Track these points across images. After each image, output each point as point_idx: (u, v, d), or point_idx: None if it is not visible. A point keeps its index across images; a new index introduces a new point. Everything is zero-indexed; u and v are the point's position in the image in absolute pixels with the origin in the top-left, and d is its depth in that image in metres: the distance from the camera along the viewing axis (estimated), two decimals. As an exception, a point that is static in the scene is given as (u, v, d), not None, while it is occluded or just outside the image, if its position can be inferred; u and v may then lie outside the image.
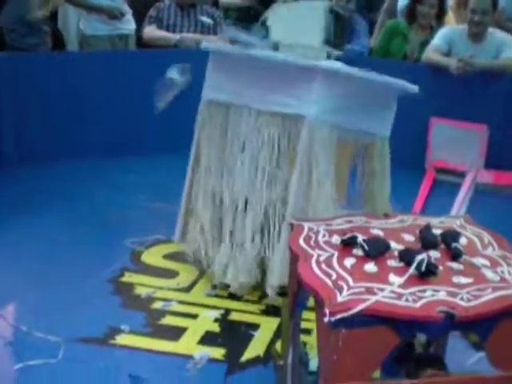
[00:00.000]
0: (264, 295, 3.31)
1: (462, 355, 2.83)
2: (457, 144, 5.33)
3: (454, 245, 2.13)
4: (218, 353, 2.89)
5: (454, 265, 2.07)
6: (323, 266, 2.02)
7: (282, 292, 3.02)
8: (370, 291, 1.88)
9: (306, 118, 3.02)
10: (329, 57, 3.29)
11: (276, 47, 3.33)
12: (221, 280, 3.31)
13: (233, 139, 3.29)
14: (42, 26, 5.45)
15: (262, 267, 3.24)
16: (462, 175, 5.22)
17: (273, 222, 3.18)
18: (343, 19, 3.40)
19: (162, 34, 5.61)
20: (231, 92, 3.27)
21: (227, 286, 3.30)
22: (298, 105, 3.04)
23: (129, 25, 5.94)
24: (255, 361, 2.85)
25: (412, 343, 2.28)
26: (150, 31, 5.66)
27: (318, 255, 2.09)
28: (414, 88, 3.33)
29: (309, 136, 3.02)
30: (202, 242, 3.39)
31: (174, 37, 5.56)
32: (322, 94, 3.02)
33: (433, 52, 5.41)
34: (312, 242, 2.19)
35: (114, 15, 5.70)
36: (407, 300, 1.85)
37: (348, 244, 2.14)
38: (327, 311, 1.79)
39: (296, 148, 3.08)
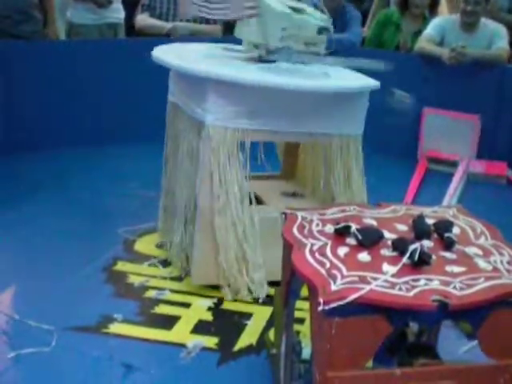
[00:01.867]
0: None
1: (455, 344, 2.84)
2: (449, 134, 5.35)
3: (446, 234, 2.15)
4: (210, 341, 2.89)
5: (447, 254, 2.08)
6: (317, 254, 2.03)
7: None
8: (363, 280, 1.89)
9: (205, 124, 3.09)
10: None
11: None
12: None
13: (175, 139, 3.50)
14: (36, 13, 5.42)
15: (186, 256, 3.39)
16: (454, 165, 5.25)
17: (191, 217, 3.29)
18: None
19: (155, 22, 5.60)
20: (176, 95, 3.47)
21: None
22: (200, 112, 3.12)
23: (117, 13, 5.91)
24: (248, 349, 2.86)
25: (405, 332, 2.30)
26: (143, 19, 5.64)
27: (312, 244, 2.10)
28: (372, 84, 3.26)
29: (206, 141, 3.08)
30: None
31: (166, 25, 5.55)
32: (217, 102, 3.05)
33: (425, 42, 5.42)
34: (306, 231, 2.19)
35: (101, 3, 5.67)
36: (401, 289, 1.86)
37: (341, 233, 2.15)
38: (321, 300, 1.80)
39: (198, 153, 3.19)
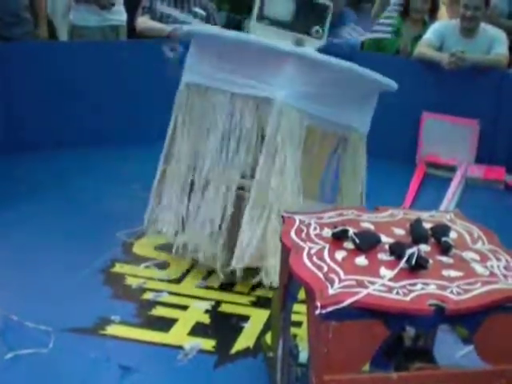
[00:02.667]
0: (255, 287, 3.33)
1: (451, 349, 2.84)
2: (448, 139, 5.35)
3: (444, 239, 2.15)
4: (208, 344, 2.90)
5: (444, 259, 2.09)
6: (314, 258, 2.04)
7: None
8: (360, 284, 1.89)
9: (274, 101, 3.03)
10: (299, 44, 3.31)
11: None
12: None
13: (207, 122, 3.31)
14: (27, 15, 5.43)
15: (226, 251, 3.26)
16: (453, 170, 5.25)
17: (237, 206, 3.20)
18: (322, 8, 3.39)
19: (155, 24, 5.60)
20: (208, 75, 3.29)
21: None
22: (267, 88, 3.06)
23: (120, 15, 5.92)
24: (245, 352, 2.86)
25: (401, 336, 2.30)
26: (143, 22, 5.64)
27: (310, 248, 2.11)
28: (393, 85, 3.27)
29: (277, 120, 3.03)
30: (170, 226, 3.41)
31: (167, 28, 5.55)
32: (292, 79, 3.02)
33: (425, 47, 5.42)
34: (303, 235, 2.20)
35: (104, 4, 5.68)
36: (398, 293, 1.87)
37: (339, 237, 2.16)
38: (318, 304, 1.80)
39: (264, 132, 3.11)
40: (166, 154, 3.49)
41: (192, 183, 3.36)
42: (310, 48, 3.24)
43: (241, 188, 3.24)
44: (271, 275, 3.01)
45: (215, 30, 3.27)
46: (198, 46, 3.38)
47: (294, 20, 3.30)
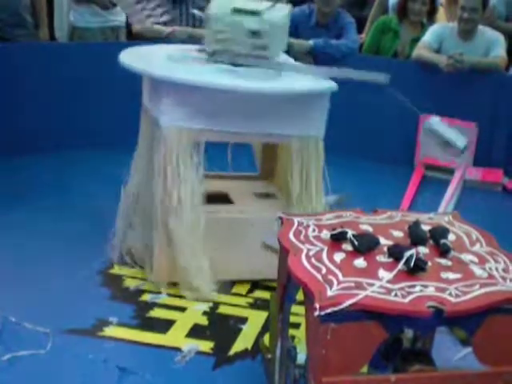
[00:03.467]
0: (252, 289, 3.34)
1: (449, 351, 2.85)
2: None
3: (442, 241, 2.16)
4: (206, 346, 2.90)
5: (443, 261, 2.09)
6: (313, 260, 2.04)
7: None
8: (359, 286, 1.89)
9: (160, 125, 3.17)
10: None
11: None
12: None
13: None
14: (28, 16, 5.43)
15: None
16: (451, 172, 5.25)
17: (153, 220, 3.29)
18: None
19: (153, 26, 5.59)
20: (144, 97, 3.55)
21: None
22: (157, 115, 3.23)
23: (119, 16, 5.92)
24: (243, 354, 2.86)
25: (400, 338, 2.30)
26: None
27: (308, 250, 2.11)
28: (332, 86, 3.24)
29: (161, 142, 3.15)
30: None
31: (165, 29, 5.55)
32: (173, 103, 3.11)
33: (423, 49, 5.43)
34: (302, 237, 2.20)
35: (105, 5, 5.68)
36: (396, 295, 1.87)
37: (337, 239, 2.16)
38: (317, 305, 1.80)
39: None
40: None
41: None
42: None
43: None
44: None
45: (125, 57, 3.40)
46: None
47: None
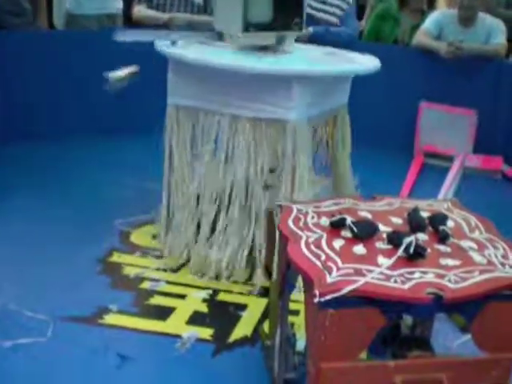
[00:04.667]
0: (252, 276, 3.34)
1: (448, 337, 2.85)
2: (446, 128, 5.35)
3: (441, 227, 2.15)
4: (205, 333, 2.90)
5: (442, 247, 2.09)
6: (312, 247, 2.04)
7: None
8: (358, 272, 1.89)
9: (287, 123, 3.10)
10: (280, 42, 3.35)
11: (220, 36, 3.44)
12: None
13: (204, 144, 3.33)
14: (26, 4, 5.40)
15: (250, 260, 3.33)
16: (451, 159, 5.25)
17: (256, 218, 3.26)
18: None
19: (152, 13, 5.57)
20: (199, 98, 3.28)
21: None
22: (277, 110, 3.10)
23: (116, 3, 5.90)
24: (243, 341, 2.87)
25: (398, 325, 2.31)
26: (139, 10, 5.61)
27: (307, 237, 2.11)
28: (375, 68, 3.30)
29: (292, 139, 3.11)
30: (183, 242, 3.47)
31: (163, 16, 5.53)
32: (300, 98, 3.09)
33: (423, 36, 5.42)
34: (301, 224, 2.20)
35: None
36: (396, 281, 1.87)
37: (337, 226, 2.16)
38: (317, 292, 1.81)
39: (277, 152, 3.17)
40: (167, 178, 3.52)
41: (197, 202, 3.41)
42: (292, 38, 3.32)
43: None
44: None
45: (193, 55, 3.20)
46: (177, 68, 3.34)
47: (274, 18, 3.28)
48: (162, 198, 3.57)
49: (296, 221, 2.23)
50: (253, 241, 3.27)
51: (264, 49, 3.33)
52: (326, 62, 3.32)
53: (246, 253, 3.27)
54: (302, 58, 3.32)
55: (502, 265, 2.02)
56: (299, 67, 3.12)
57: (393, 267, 1.94)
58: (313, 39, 5.25)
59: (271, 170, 3.34)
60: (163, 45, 3.34)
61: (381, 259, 1.98)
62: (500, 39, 5.28)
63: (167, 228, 3.57)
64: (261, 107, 3.12)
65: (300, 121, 3.12)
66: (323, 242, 2.07)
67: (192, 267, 3.38)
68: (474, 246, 2.12)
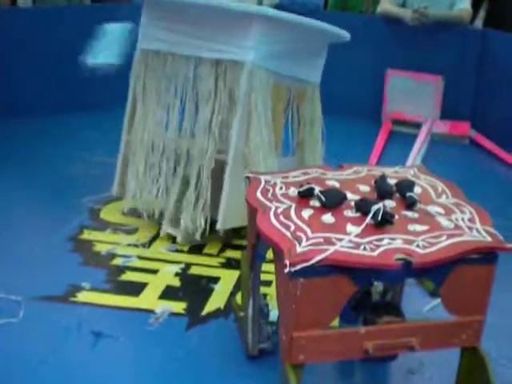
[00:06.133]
0: (223, 249, 3.35)
1: (418, 303, 2.88)
2: (412, 95, 5.38)
3: (408, 194, 2.17)
4: (179, 307, 2.91)
5: (409, 213, 2.11)
6: (281, 217, 2.05)
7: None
8: (328, 241, 1.91)
9: (245, 64, 3.05)
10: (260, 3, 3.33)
11: None
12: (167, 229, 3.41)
13: (171, 88, 3.29)
14: None
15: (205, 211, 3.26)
16: (418, 126, 5.28)
17: (216, 170, 3.20)
18: None
19: None
20: (168, 41, 3.25)
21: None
22: (236, 51, 3.06)
23: None
24: (216, 313, 2.88)
25: (369, 291, 2.33)
26: None
27: (276, 207, 2.11)
28: (346, 35, 3.34)
29: (247, 82, 3.05)
30: (138, 190, 3.43)
31: None
32: (259, 40, 3.03)
33: (388, 3, 5.41)
34: (269, 195, 2.21)
35: None
36: (365, 249, 1.89)
37: (305, 196, 2.17)
38: (287, 262, 1.82)
39: (234, 94, 3.11)
40: (128, 124, 3.48)
41: (158, 149, 3.35)
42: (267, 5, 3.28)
43: (219, 152, 3.24)
44: None
45: None
46: (151, 9, 3.32)
47: None
48: (121, 144, 3.53)
49: (264, 192, 2.23)
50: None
51: None
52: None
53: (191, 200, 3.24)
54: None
55: (470, 229, 2.04)
56: (262, 8, 3.08)
57: (362, 235, 1.95)
58: (279, 8, 5.24)
59: None
60: None
61: (350, 227, 1.99)
62: (464, 5, 5.29)
63: (122, 174, 3.55)
64: (222, 48, 3.09)
65: (258, 65, 3.05)
66: (292, 213, 2.08)
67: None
68: (441, 210, 2.14)
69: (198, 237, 3.26)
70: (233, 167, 3.12)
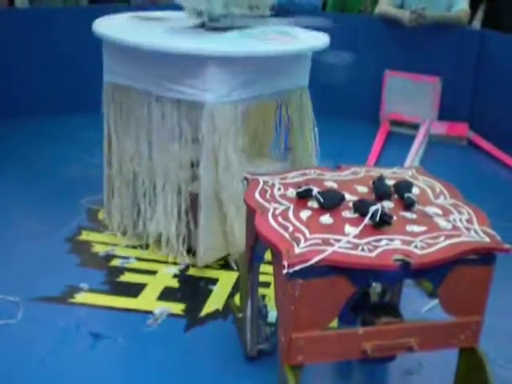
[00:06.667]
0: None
1: (417, 303, 2.89)
2: (410, 96, 5.38)
3: (406, 195, 2.17)
4: (177, 308, 2.91)
5: (408, 214, 2.11)
6: (280, 218, 2.05)
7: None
8: (326, 242, 1.91)
9: (204, 105, 2.99)
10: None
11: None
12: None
13: (137, 123, 3.25)
14: None
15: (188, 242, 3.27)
16: (416, 127, 5.29)
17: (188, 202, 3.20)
18: None
19: None
20: (129, 76, 3.21)
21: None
22: (194, 92, 3.00)
23: None
24: (215, 314, 2.88)
25: (368, 292, 2.33)
26: None
27: (274, 208, 2.11)
28: (326, 42, 3.28)
29: (208, 122, 3.00)
30: (122, 224, 3.47)
31: None
32: (218, 79, 2.97)
33: (385, 4, 5.41)
34: (268, 196, 2.21)
35: None
36: (363, 249, 1.89)
37: (303, 197, 2.17)
38: (285, 263, 1.82)
39: (199, 133, 3.06)
40: (107, 157, 3.47)
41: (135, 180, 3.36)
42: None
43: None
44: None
45: (118, 35, 3.12)
46: (109, 47, 3.28)
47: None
48: (103, 177, 3.54)
49: (263, 193, 2.23)
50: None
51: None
52: (261, 42, 3.14)
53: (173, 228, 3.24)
54: (244, 35, 3.21)
55: (467, 229, 2.04)
56: (215, 47, 2.97)
57: (360, 235, 1.96)
58: (275, 9, 5.25)
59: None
60: (97, 23, 3.29)
61: (348, 228, 2.00)
62: (462, 6, 5.29)
63: (110, 207, 3.54)
64: (181, 89, 3.03)
65: (220, 103, 2.99)
66: (290, 214, 2.08)
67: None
68: (439, 211, 2.15)
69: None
70: (204, 203, 3.11)
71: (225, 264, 3.26)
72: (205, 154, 3.05)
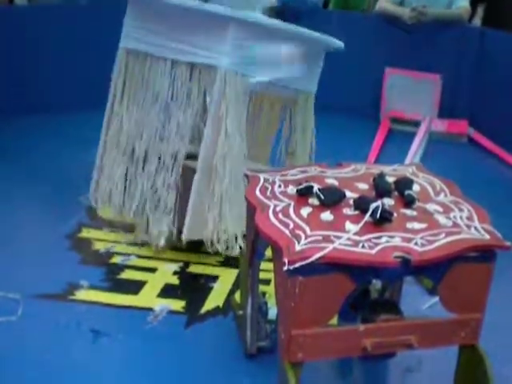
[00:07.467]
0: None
1: (417, 300, 2.89)
2: (411, 94, 5.38)
3: (407, 192, 2.17)
4: (177, 305, 2.91)
5: (408, 211, 2.11)
6: (280, 215, 2.05)
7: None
8: (327, 239, 1.91)
9: (218, 69, 2.98)
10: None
11: None
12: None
13: (148, 90, 3.24)
14: None
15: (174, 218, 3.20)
16: (417, 124, 5.28)
17: (182, 174, 3.15)
18: None
19: None
20: (146, 41, 3.21)
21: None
22: (211, 55, 3.00)
23: None
24: (215, 311, 2.88)
25: (368, 289, 2.34)
26: None
27: (275, 205, 2.11)
28: (340, 44, 3.30)
29: (220, 88, 2.98)
30: (114, 196, 3.36)
31: None
32: (235, 45, 2.96)
33: (386, 2, 5.41)
34: (268, 193, 2.21)
35: None
36: (363, 247, 1.89)
37: (304, 194, 2.17)
38: (286, 260, 1.82)
39: (207, 99, 3.07)
40: (107, 124, 3.44)
41: (132, 152, 3.30)
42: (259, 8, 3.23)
43: (191, 157, 3.19)
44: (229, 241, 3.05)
45: None
46: (134, 8, 3.29)
47: None
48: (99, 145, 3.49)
49: (263, 190, 2.23)
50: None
51: None
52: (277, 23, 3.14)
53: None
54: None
55: (468, 227, 2.05)
56: (241, 12, 2.97)
57: (360, 233, 1.96)
58: (278, 7, 5.25)
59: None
60: None
61: (348, 225, 2.00)
62: (463, 3, 5.28)
63: (99, 175, 3.48)
64: (198, 52, 3.03)
65: (233, 71, 2.98)
66: (291, 211, 2.08)
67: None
68: (440, 208, 2.15)
69: (162, 242, 3.21)
70: (199, 177, 3.03)
71: (225, 261, 3.26)
72: (210, 120, 3.02)
